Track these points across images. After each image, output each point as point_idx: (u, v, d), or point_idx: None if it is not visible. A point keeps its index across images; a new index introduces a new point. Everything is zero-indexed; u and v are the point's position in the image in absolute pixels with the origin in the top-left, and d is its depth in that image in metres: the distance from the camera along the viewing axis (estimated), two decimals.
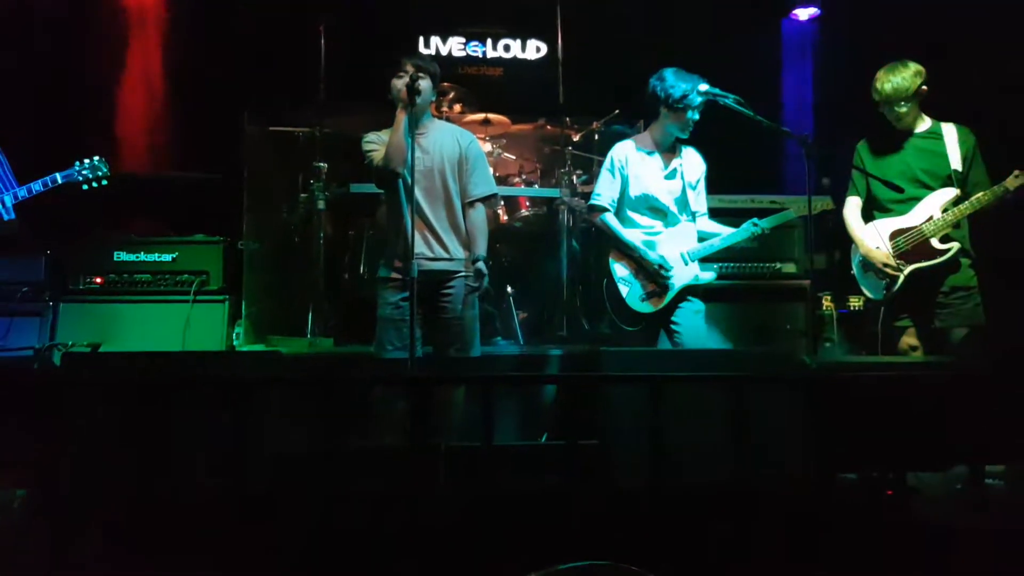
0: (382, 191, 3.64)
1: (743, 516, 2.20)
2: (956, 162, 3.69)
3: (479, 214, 3.58)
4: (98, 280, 4.24)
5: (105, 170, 4.03)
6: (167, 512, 2.19)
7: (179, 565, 2.20)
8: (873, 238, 3.77)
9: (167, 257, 4.28)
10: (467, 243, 3.57)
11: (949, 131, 3.75)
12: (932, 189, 3.70)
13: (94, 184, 4.02)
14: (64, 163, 4.02)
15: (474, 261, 3.51)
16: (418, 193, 3.43)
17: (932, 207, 3.68)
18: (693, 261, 3.71)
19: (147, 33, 5.35)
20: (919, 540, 2.48)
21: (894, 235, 3.73)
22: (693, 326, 3.66)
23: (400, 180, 3.45)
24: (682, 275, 3.68)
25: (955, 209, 3.62)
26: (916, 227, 3.68)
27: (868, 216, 3.86)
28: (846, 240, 3.94)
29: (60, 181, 3.97)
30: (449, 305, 3.49)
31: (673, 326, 3.66)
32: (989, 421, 2.69)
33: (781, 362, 2.75)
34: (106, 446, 2.29)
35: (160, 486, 2.15)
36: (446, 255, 3.52)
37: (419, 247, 3.42)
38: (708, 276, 3.74)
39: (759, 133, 3.77)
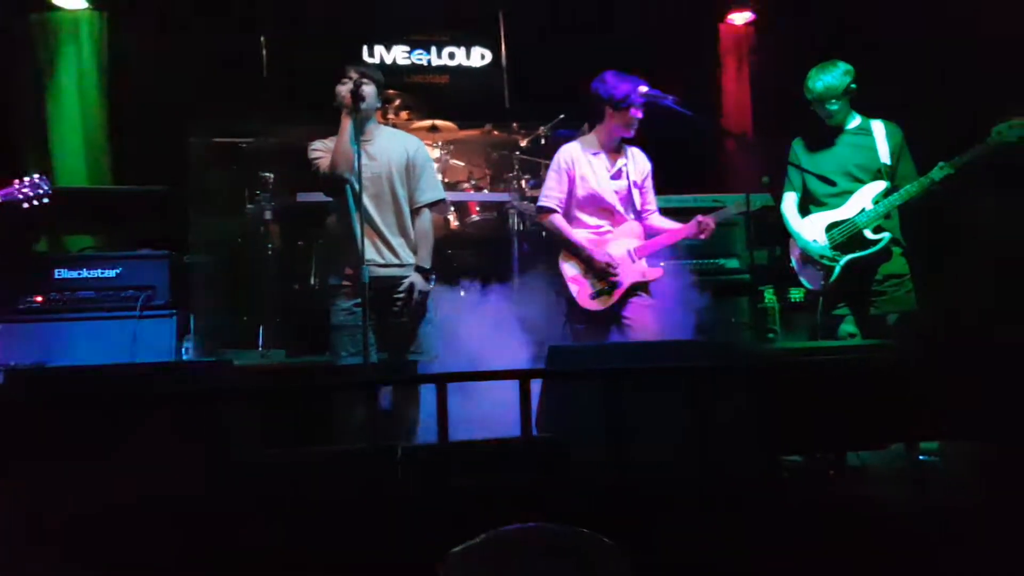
0: (330, 199, 3.65)
1: (698, 501, 2.25)
2: (885, 156, 3.85)
3: (425, 220, 3.62)
4: (38, 299, 4.13)
5: (47, 188, 3.94)
6: (123, 525, 2.17)
7: None
8: (810, 231, 3.91)
9: (111, 273, 4.19)
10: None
11: (878, 127, 3.92)
12: (864, 182, 3.85)
13: (35, 203, 3.92)
14: (2, 182, 3.94)
15: (416, 268, 3.54)
16: (366, 199, 3.45)
17: (864, 199, 3.83)
18: (640, 258, 3.80)
19: (84, 46, 5.25)
20: (862, 517, 2.57)
21: (829, 227, 3.87)
22: (643, 321, 3.74)
23: (348, 186, 3.47)
24: (630, 272, 3.77)
25: (886, 201, 3.78)
26: (850, 219, 3.83)
27: (804, 211, 4.01)
28: (786, 235, 4.08)
29: (0, 200, 3.88)
30: (400, 309, 3.52)
31: (624, 321, 3.74)
32: (922, 401, 2.82)
33: (728, 351, 2.83)
34: (55, 463, 2.26)
35: (114, 499, 2.11)
36: (396, 260, 3.55)
37: (369, 253, 3.44)
38: (655, 272, 3.83)
39: (699, 133, 3.88)
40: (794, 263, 4.01)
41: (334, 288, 3.54)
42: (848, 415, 2.69)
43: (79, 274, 4.16)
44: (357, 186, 3.40)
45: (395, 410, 3.45)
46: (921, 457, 3.20)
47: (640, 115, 3.75)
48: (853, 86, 3.87)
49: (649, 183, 3.95)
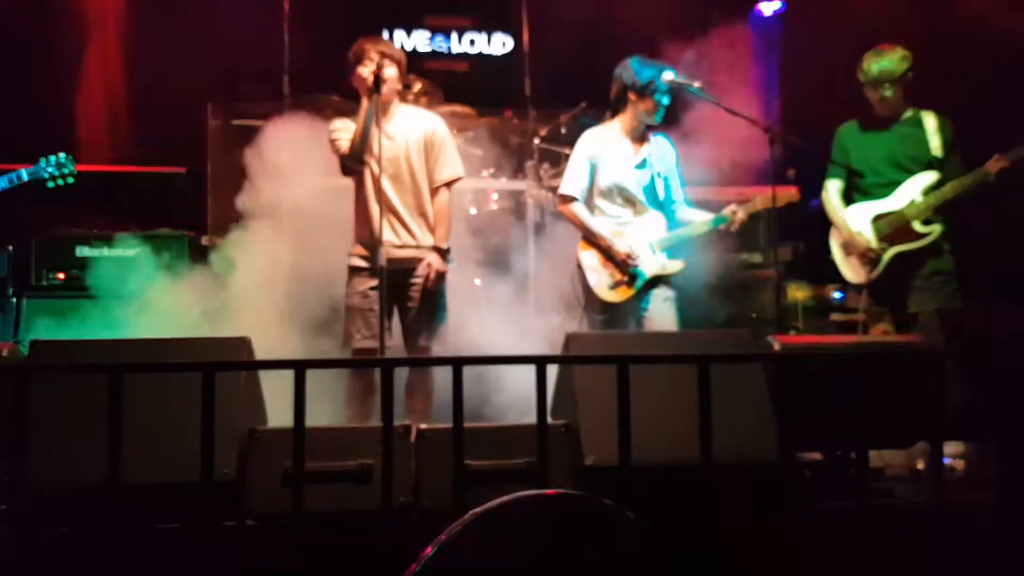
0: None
1: (709, 494, 2.22)
2: (936, 149, 3.75)
3: (443, 199, 3.56)
4: (61, 276, 4.18)
5: (71, 167, 3.97)
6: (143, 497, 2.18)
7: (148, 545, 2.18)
8: (855, 221, 3.81)
9: (131, 252, 4.21)
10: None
11: (929, 119, 3.81)
12: (913, 174, 3.74)
13: (59, 181, 3.96)
14: (28, 160, 3.96)
15: (434, 248, 3.50)
16: (385, 180, 3.42)
17: (913, 190, 3.72)
18: (662, 251, 3.75)
19: (108, 28, 5.27)
20: (883, 517, 2.53)
21: (876, 219, 3.76)
22: (663, 313, 3.70)
23: (366, 168, 3.45)
24: (650, 264, 3.71)
25: (937, 192, 3.66)
26: (898, 211, 3.72)
27: (848, 200, 3.90)
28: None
29: (25, 179, 3.90)
30: (417, 293, 3.49)
31: (643, 314, 3.70)
32: (948, 399, 2.75)
33: (746, 342, 2.79)
34: (75, 433, 2.27)
35: (133, 472, 2.12)
36: (413, 242, 3.51)
37: (386, 234, 3.41)
38: (676, 266, 3.78)
39: (724, 125, 3.82)
40: (835, 254, 3.89)
41: (349, 269, 3.52)
42: (870, 412, 2.64)
43: (101, 252, 4.20)
44: (376, 168, 3.37)
45: (410, 392, 3.43)
46: (944, 459, 3.13)
47: (666, 102, 3.69)
48: (909, 73, 3.76)
49: (675, 173, 3.88)
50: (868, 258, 3.76)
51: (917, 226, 3.69)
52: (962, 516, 2.55)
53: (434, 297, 3.50)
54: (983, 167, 3.58)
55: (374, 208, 3.42)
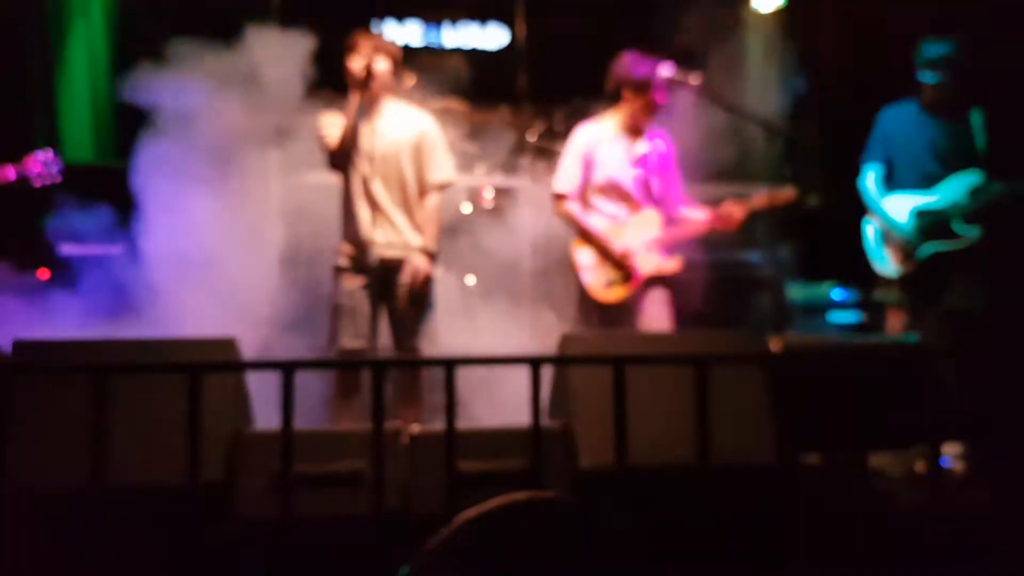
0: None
1: (707, 497, 2.18)
2: (983, 148, 3.67)
3: (433, 202, 3.50)
4: (45, 274, 4.13)
5: (59, 168, 3.93)
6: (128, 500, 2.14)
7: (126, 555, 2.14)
8: (895, 213, 3.72)
9: (115, 249, 4.16)
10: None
11: (977, 116, 3.73)
12: (958, 169, 3.66)
13: (47, 183, 3.92)
14: (14, 158, 3.90)
15: (422, 250, 3.44)
16: (373, 178, 3.36)
17: (958, 188, 3.64)
18: (658, 250, 3.70)
19: (95, 19, 5.21)
20: (879, 519, 2.50)
21: (917, 213, 3.68)
22: (659, 313, 3.65)
23: (354, 165, 3.39)
24: (646, 264, 3.67)
25: (983, 192, 3.58)
26: (940, 207, 3.64)
27: (885, 190, 3.81)
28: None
29: (12, 177, 3.85)
30: (404, 292, 3.43)
31: (639, 314, 3.65)
32: (947, 400, 2.72)
33: (745, 343, 2.75)
34: (59, 434, 2.23)
35: (118, 475, 2.07)
36: (401, 241, 3.45)
37: (374, 234, 3.35)
38: (673, 265, 3.73)
39: (723, 122, 3.78)
40: (871, 241, 3.79)
41: (335, 268, 3.46)
42: (868, 414, 2.61)
43: (84, 250, 4.15)
44: (363, 165, 3.32)
45: (401, 394, 3.38)
46: (943, 460, 3.10)
47: (662, 99, 3.64)
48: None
49: (673, 169, 3.82)
50: (903, 251, 3.68)
51: (957, 226, 3.61)
52: (961, 518, 2.53)
53: (421, 298, 3.45)
54: None
55: (362, 206, 3.36)
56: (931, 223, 3.63)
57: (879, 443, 2.90)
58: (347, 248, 3.44)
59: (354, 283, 3.39)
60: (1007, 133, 3.71)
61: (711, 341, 2.84)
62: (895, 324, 3.71)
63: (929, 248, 3.63)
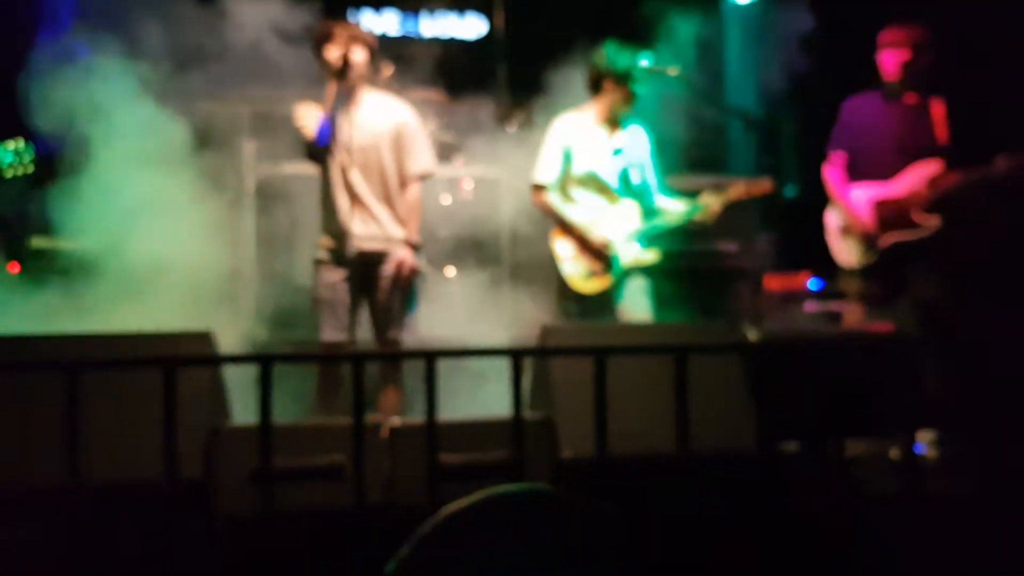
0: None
1: (687, 485, 2.20)
2: (942, 138, 3.70)
3: (414, 193, 3.48)
4: (14, 268, 4.06)
5: (31, 155, 3.84)
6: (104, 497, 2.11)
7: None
8: (857, 204, 3.75)
9: (87, 243, 4.09)
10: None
11: (937, 107, 3.76)
12: (917, 160, 3.68)
13: (17, 171, 3.83)
14: None
15: (406, 242, 3.43)
16: (352, 169, 3.34)
17: (917, 179, 3.67)
18: (637, 240, 3.71)
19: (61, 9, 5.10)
20: (859, 506, 2.54)
21: (878, 204, 3.70)
22: (639, 304, 3.66)
23: (332, 156, 3.36)
24: (626, 254, 3.68)
25: (941, 183, 3.61)
26: (901, 198, 3.67)
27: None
28: (785, 220, 3.98)
29: None
30: (386, 285, 3.41)
31: (618, 304, 3.66)
32: (919, 387, 2.76)
33: (723, 333, 2.77)
34: (32, 431, 2.19)
35: (93, 472, 2.05)
36: (381, 233, 3.42)
37: (354, 226, 3.33)
38: (652, 255, 3.74)
39: (700, 113, 3.78)
40: (830, 232, 3.82)
41: (316, 261, 3.43)
42: (845, 402, 2.64)
43: (56, 244, 4.08)
44: (342, 156, 3.30)
45: (382, 386, 3.36)
46: (917, 447, 3.14)
47: (641, 91, 3.65)
48: (925, 55, 3.69)
49: (650, 161, 3.83)
50: (863, 243, 3.71)
51: (917, 216, 3.64)
52: (936, 504, 2.57)
53: (404, 290, 3.44)
54: (990, 165, 3.53)
55: (341, 197, 3.34)
56: (891, 214, 3.66)
57: (855, 431, 2.93)
58: (327, 241, 3.41)
59: (334, 276, 3.37)
60: (967, 123, 3.75)
61: (690, 332, 2.86)
62: (852, 317, 3.75)
63: (889, 239, 3.66)
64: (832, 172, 3.83)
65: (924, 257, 3.64)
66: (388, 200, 3.44)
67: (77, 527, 2.05)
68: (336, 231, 3.36)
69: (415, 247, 3.43)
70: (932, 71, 3.73)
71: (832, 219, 3.83)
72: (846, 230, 3.77)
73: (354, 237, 3.30)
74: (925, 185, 3.63)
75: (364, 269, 3.34)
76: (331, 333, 3.34)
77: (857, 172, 3.79)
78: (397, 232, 3.43)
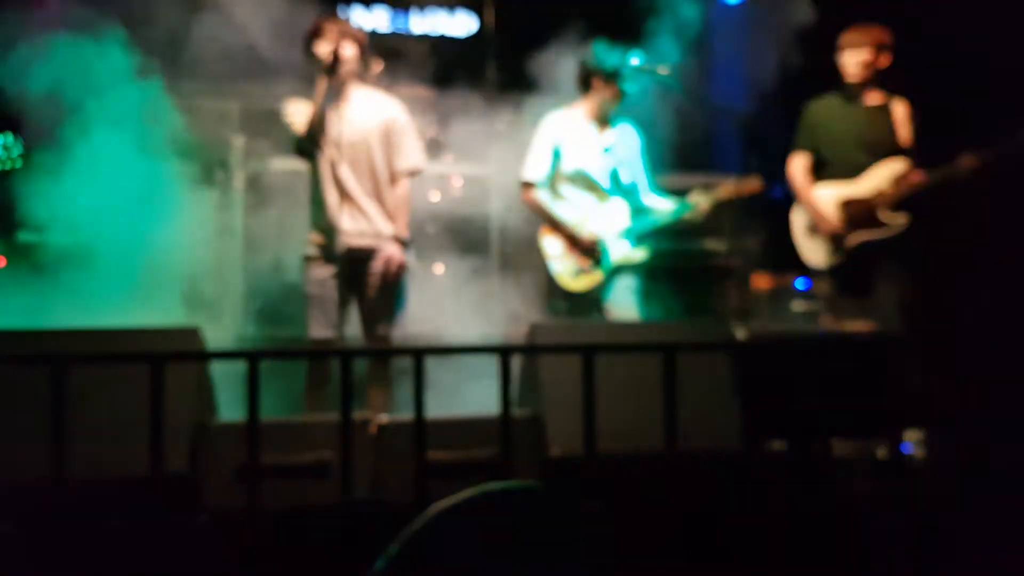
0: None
1: (674, 483, 2.21)
2: (905, 137, 3.74)
3: (403, 189, 3.48)
4: (2, 262, 4.04)
5: (19, 150, 3.83)
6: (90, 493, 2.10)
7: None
8: (824, 203, 3.77)
9: (76, 238, 4.07)
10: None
11: (899, 106, 3.80)
12: (881, 159, 3.72)
13: (6, 165, 3.82)
14: None
15: (395, 238, 3.43)
16: (341, 165, 3.33)
17: (882, 178, 3.71)
18: (626, 238, 3.72)
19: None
20: (841, 505, 2.55)
21: (844, 204, 3.74)
22: (627, 302, 3.68)
23: (322, 152, 3.35)
24: (614, 252, 3.69)
25: (905, 182, 3.65)
26: (866, 197, 3.70)
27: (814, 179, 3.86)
28: (773, 219, 4.00)
29: None
30: (375, 281, 3.41)
31: (606, 303, 3.68)
32: (907, 389, 2.78)
33: (711, 331, 2.78)
34: (18, 427, 2.18)
35: (80, 468, 2.03)
36: (371, 229, 3.42)
37: (344, 222, 3.33)
38: (640, 254, 3.76)
39: (690, 113, 3.80)
40: (796, 234, 3.85)
41: (305, 257, 3.43)
42: (831, 402, 2.66)
43: (43, 238, 4.06)
44: (331, 151, 3.29)
45: (370, 383, 3.36)
46: (904, 447, 3.17)
47: (631, 89, 3.66)
48: (886, 54, 3.74)
49: (639, 159, 3.85)
50: (833, 242, 3.74)
51: (884, 215, 3.68)
52: (922, 502, 2.58)
53: (393, 287, 3.43)
54: (954, 163, 3.56)
55: (330, 193, 3.33)
56: (858, 213, 3.69)
57: (842, 430, 2.95)
58: (316, 237, 3.41)
59: (323, 272, 3.36)
60: (929, 121, 3.79)
61: (678, 330, 2.87)
62: (825, 317, 3.77)
63: (857, 238, 3.69)
64: (796, 172, 3.87)
65: (892, 256, 3.67)
66: (378, 196, 3.43)
67: (62, 522, 2.04)
68: (325, 227, 3.36)
69: (404, 243, 3.43)
70: (893, 71, 3.78)
71: (798, 219, 3.87)
72: (812, 230, 3.80)
73: (343, 233, 3.29)
74: (890, 184, 3.67)
75: (353, 265, 3.34)
76: (320, 330, 3.33)
77: (821, 172, 3.82)
78: (386, 228, 3.43)
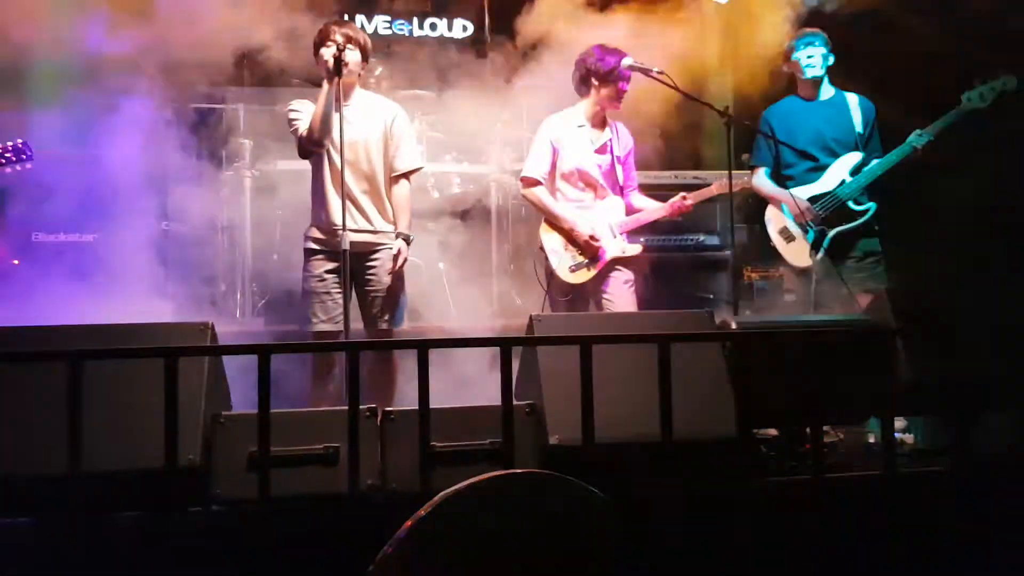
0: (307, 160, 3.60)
1: (670, 470, 2.27)
2: (859, 127, 3.85)
3: (403, 189, 3.57)
4: (15, 261, 4.11)
5: (30, 153, 3.90)
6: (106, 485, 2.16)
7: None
8: (793, 206, 3.88)
9: (88, 237, 4.15)
10: (391, 216, 3.56)
11: (852, 99, 3.91)
12: (840, 155, 3.84)
13: (17, 167, 3.89)
14: None
15: (397, 236, 3.50)
16: (343, 165, 3.41)
17: (842, 171, 3.81)
18: (621, 233, 3.80)
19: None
20: (835, 492, 2.60)
21: (812, 201, 3.84)
22: (623, 296, 3.76)
23: (324, 151, 3.43)
24: (611, 247, 3.77)
25: (866, 170, 3.75)
26: (831, 191, 3.80)
27: (779, 186, 3.97)
28: (761, 212, 4.07)
29: None
30: (374, 277, 3.49)
31: (603, 296, 3.76)
32: (896, 376, 2.84)
33: (705, 322, 2.84)
34: (35, 421, 2.24)
35: (96, 460, 2.09)
36: (370, 227, 3.50)
37: (343, 219, 3.41)
38: (635, 248, 3.84)
39: (681, 111, 3.87)
40: (775, 240, 3.97)
41: (306, 252, 3.50)
42: (822, 389, 2.71)
43: (56, 237, 4.13)
44: (333, 152, 3.37)
45: (372, 376, 3.43)
46: (896, 433, 3.23)
47: (625, 88, 3.74)
48: (831, 56, 3.87)
49: (631, 159, 3.94)
50: (811, 243, 3.81)
51: (852, 205, 3.77)
52: (912, 488, 2.63)
53: (395, 281, 3.51)
54: (907, 141, 3.67)
55: (331, 192, 3.41)
56: (827, 209, 3.78)
57: (834, 417, 3.01)
58: (317, 233, 3.49)
59: (324, 267, 3.43)
60: (881, 112, 3.89)
61: (673, 321, 2.93)
62: (816, 311, 3.85)
63: (831, 233, 3.78)
64: (760, 182, 3.99)
65: (871, 243, 3.78)
66: (377, 195, 3.52)
67: (78, 513, 2.10)
68: (326, 225, 3.44)
69: (407, 239, 3.52)
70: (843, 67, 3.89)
71: (771, 226, 3.95)
72: (787, 234, 3.88)
73: (344, 231, 3.37)
74: (852, 175, 3.77)
75: (353, 261, 3.41)
76: (320, 324, 3.40)
77: (786, 175, 3.93)
78: (385, 227, 3.52)
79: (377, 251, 3.50)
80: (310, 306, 3.44)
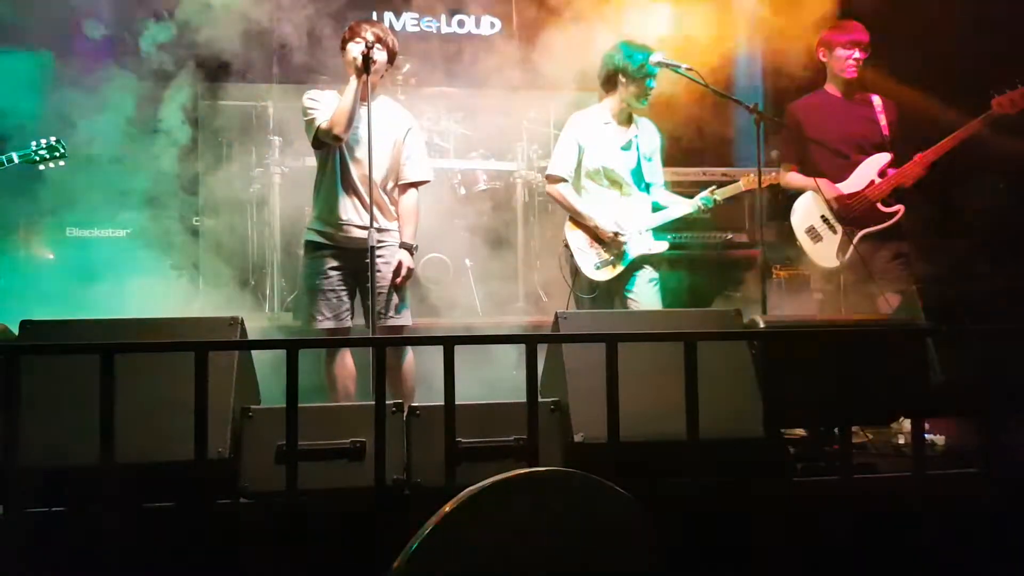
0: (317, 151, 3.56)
1: (696, 470, 2.25)
2: (886, 128, 3.81)
3: (411, 199, 3.57)
4: (50, 255, 4.19)
5: (63, 150, 3.97)
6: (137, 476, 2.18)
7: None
8: (820, 206, 3.84)
9: (121, 232, 4.22)
10: (395, 217, 3.56)
11: (877, 99, 3.87)
12: (868, 154, 3.80)
13: (51, 164, 3.97)
14: (20, 143, 3.95)
15: (401, 246, 3.50)
16: (352, 162, 3.42)
17: (871, 171, 3.77)
18: (647, 231, 3.78)
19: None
20: (865, 493, 2.57)
21: (840, 200, 3.80)
22: (648, 294, 3.74)
23: (338, 146, 3.43)
24: (636, 244, 3.75)
25: (894, 172, 3.71)
26: (860, 192, 3.77)
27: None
28: (789, 211, 4.02)
29: (16, 160, 3.90)
30: (378, 273, 3.48)
31: (628, 294, 3.74)
32: (927, 376, 2.80)
33: (732, 320, 2.82)
34: (68, 413, 2.27)
35: (127, 452, 2.12)
36: (375, 227, 3.49)
37: (348, 214, 3.42)
38: (661, 246, 3.82)
39: (710, 107, 3.83)
40: (802, 240, 3.93)
41: (309, 247, 3.49)
42: (851, 389, 2.68)
43: (90, 232, 4.20)
44: (344, 149, 3.38)
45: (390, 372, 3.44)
46: (926, 435, 3.18)
47: (653, 86, 3.72)
48: (866, 51, 3.81)
49: (658, 157, 3.91)
50: (837, 242, 3.78)
51: (881, 207, 3.72)
52: (943, 491, 2.59)
53: (400, 289, 3.51)
54: (934, 147, 3.63)
55: (339, 187, 3.42)
56: (855, 209, 3.74)
57: (862, 418, 2.98)
58: (320, 227, 3.48)
59: (329, 264, 3.43)
60: (908, 114, 3.86)
61: (699, 319, 2.91)
62: (844, 311, 3.80)
63: (860, 233, 3.73)
64: (792, 179, 3.94)
65: (900, 244, 3.74)
66: (382, 196, 3.51)
67: (110, 504, 2.13)
68: (328, 217, 3.43)
69: (411, 249, 3.51)
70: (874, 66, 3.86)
71: (797, 226, 3.90)
72: (814, 235, 3.83)
73: (346, 225, 3.38)
74: (881, 176, 3.72)
75: (356, 258, 3.39)
76: (324, 321, 3.40)
77: (815, 173, 3.86)
78: (386, 224, 3.49)
79: (380, 248, 3.47)
80: (313, 304, 3.41)
